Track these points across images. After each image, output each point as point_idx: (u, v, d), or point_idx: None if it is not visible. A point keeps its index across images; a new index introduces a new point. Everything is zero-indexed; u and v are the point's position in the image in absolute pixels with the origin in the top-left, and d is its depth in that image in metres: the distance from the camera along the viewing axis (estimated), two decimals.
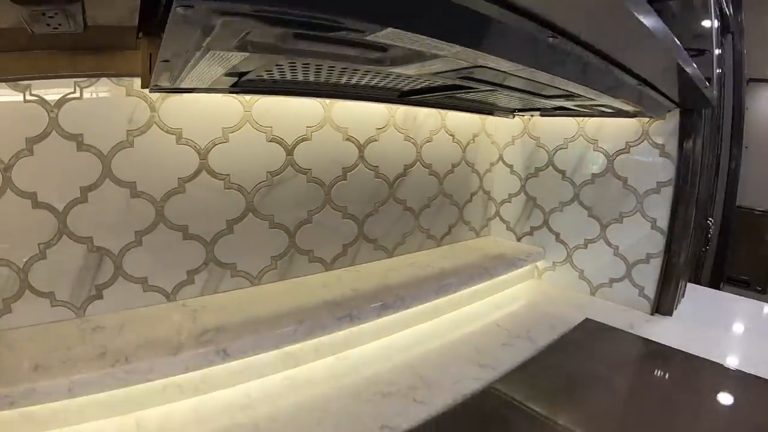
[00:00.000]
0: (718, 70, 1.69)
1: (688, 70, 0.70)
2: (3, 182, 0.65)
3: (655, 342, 1.01)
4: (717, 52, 1.81)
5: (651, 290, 1.13)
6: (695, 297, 1.27)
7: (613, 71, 0.62)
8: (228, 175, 0.82)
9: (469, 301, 1.13)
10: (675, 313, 1.15)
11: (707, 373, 0.91)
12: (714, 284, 2.83)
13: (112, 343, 0.69)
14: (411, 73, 0.60)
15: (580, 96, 0.78)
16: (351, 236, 1.03)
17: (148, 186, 0.76)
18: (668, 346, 0.98)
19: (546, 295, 1.23)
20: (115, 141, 0.73)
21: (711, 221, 2.32)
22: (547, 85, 0.65)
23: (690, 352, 0.96)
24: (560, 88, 0.68)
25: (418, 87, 0.81)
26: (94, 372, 0.63)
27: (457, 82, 0.67)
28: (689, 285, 1.33)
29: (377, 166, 1.03)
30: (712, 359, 0.93)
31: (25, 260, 0.69)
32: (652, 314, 1.13)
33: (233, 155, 0.82)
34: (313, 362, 0.85)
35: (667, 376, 0.92)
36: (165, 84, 0.66)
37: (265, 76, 0.68)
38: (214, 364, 0.71)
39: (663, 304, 1.13)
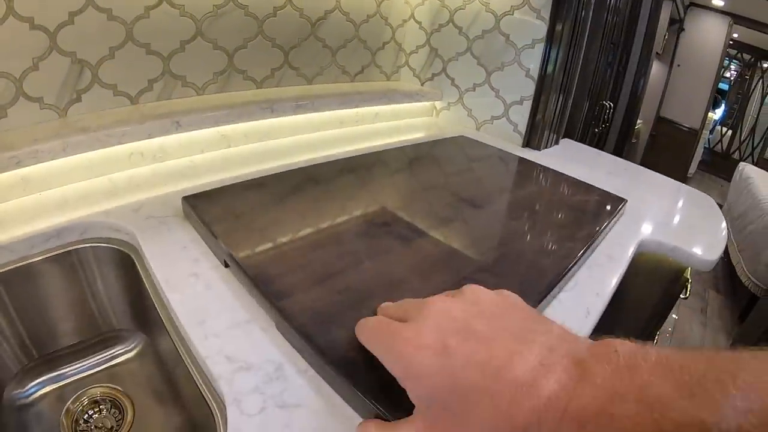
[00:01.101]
0: None
1: None
2: (6, 10, 0.80)
3: (506, 151, 1.30)
4: None
5: (523, 127, 1.43)
6: (573, 148, 1.58)
7: None
8: (183, 5, 1.02)
9: (372, 121, 1.43)
10: (545, 151, 1.46)
11: (546, 174, 1.18)
12: None
13: (92, 124, 0.90)
14: None
15: None
16: (278, 63, 1.27)
17: (121, 12, 0.94)
18: (516, 155, 1.29)
19: (440, 128, 1.53)
20: None
21: (609, 104, 2.67)
22: None
23: (537, 161, 1.26)
24: None
25: None
26: (82, 136, 0.85)
27: None
28: (571, 141, 1.65)
29: (302, 9, 1.25)
30: (556, 169, 1.20)
31: (21, 72, 0.85)
32: (522, 147, 1.44)
33: None
34: (244, 145, 1.15)
35: (505, 169, 1.21)
36: None
37: None
38: (170, 133, 0.97)
39: (532, 139, 1.44)
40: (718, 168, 7.09)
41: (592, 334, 0.66)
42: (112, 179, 0.93)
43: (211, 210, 0.77)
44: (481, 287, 0.45)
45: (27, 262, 0.72)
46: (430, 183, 1.04)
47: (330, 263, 0.65)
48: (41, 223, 0.76)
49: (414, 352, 0.39)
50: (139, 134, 0.94)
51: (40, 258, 0.74)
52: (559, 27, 1.30)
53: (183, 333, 0.56)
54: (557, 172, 1.19)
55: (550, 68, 1.35)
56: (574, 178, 1.15)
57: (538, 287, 0.66)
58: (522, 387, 0.32)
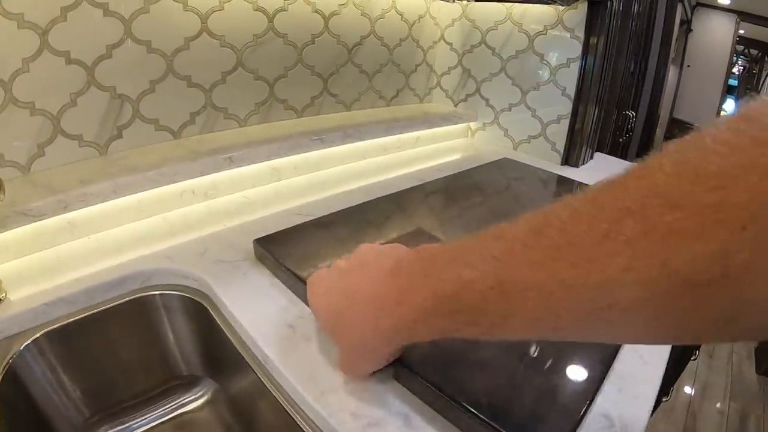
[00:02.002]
0: None
1: None
2: (41, 44, 0.79)
3: (549, 171, 1.34)
4: None
5: (561, 146, 1.44)
6: (605, 161, 1.61)
7: None
8: (223, 35, 1.03)
9: (413, 146, 1.45)
10: (583, 167, 1.49)
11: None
12: None
13: (140, 162, 0.90)
14: None
15: None
16: (317, 90, 1.28)
17: (160, 44, 0.95)
18: (557, 173, 1.33)
19: (477, 149, 1.55)
20: (134, 8, 0.89)
21: (632, 114, 2.72)
22: None
23: (580, 179, 1.29)
24: None
25: None
26: (132, 176, 0.85)
27: None
28: (603, 155, 1.68)
29: (339, 35, 1.26)
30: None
31: (58, 108, 0.84)
32: (561, 165, 1.45)
33: (227, 20, 1.03)
34: (294, 177, 1.15)
35: (556, 191, 1.25)
36: None
37: None
38: (222, 169, 0.98)
39: (570, 156, 1.46)
40: None
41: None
42: (166, 219, 0.93)
43: (287, 253, 0.76)
44: (370, 245, 0.57)
45: (89, 313, 0.72)
46: (491, 214, 1.06)
47: None
48: (98, 268, 0.75)
49: (313, 300, 0.57)
50: (192, 172, 0.94)
51: (103, 308, 0.73)
52: (593, 40, 1.32)
53: (292, 391, 0.56)
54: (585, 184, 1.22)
55: (586, 83, 1.36)
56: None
57: None
58: (366, 297, 0.47)
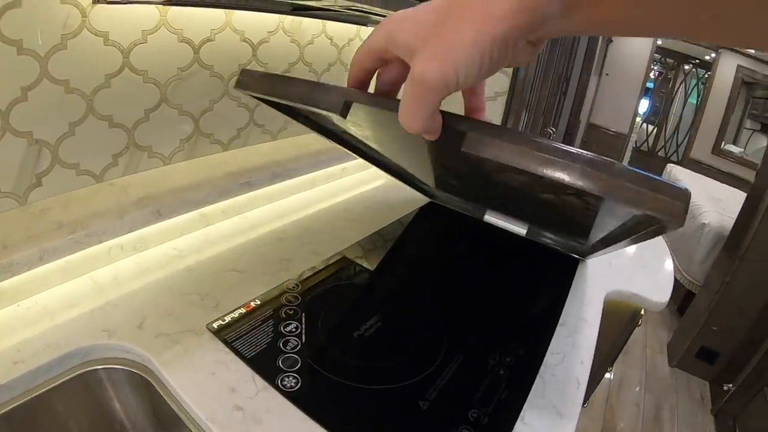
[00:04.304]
0: None
1: None
2: None
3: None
4: None
5: None
6: None
7: None
8: (146, 71, 1.02)
9: (339, 177, 1.51)
10: None
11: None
12: None
13: (64, 218, 0.88)
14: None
15: None
16: (244, 122, 1.30)
17: (79, 83, 0.92)
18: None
19: None
20: (51, 44, 0.86)
21: (553, 130, 2.88)
22: None
23: None
24: None
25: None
26: (59, 240, 0.82)
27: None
28: None
29: (267, 63, 1.27)
30: None
31: None
32: None
33: (150, 54, 1.01)
34: (222, 222, 1.17)
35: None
36: None
37: None
38: (151, 224, 0.97)
39: None
40: (646, 167, 7.55)
41: None
42: (94, 279, 0.92)
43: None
44: None
45: (34, 395, 0.71)
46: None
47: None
48: (31, 342, 0.75)
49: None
50: (120, 229, 0.93)
51: (48, 388, 0.72)
52: (521, 79, 1.41)
53: None
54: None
55: (512, 117, 1.44)
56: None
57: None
58: None
